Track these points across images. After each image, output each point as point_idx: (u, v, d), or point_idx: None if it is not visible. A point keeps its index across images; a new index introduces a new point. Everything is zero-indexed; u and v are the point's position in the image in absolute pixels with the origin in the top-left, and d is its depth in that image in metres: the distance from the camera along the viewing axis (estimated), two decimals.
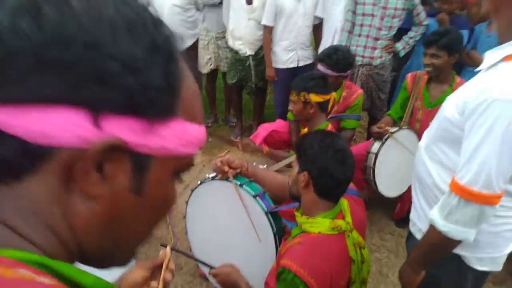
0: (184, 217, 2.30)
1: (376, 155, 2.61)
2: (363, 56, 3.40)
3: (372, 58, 3.39)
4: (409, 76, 2.90)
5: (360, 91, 3.04)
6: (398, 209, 3.00)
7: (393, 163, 2.72)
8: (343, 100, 2.97)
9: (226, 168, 1.95)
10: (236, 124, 4.43)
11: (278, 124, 3.26)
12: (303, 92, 2.27)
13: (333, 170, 1.41)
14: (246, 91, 4.16)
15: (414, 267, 1.48)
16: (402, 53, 3.46)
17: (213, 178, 2.05)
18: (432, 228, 1.33)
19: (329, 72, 2.80)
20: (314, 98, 2.26)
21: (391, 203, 3.09)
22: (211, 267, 1.73)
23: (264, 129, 3.21)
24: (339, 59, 2.81)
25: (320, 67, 2.87)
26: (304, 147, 1.49)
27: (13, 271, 0.33)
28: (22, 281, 0.33)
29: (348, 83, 3.05)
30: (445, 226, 1.27)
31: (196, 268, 2.54)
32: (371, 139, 2.87)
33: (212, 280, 2.22)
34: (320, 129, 1.56)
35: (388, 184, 2.73)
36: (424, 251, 1.42)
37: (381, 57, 3.38)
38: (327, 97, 2.28)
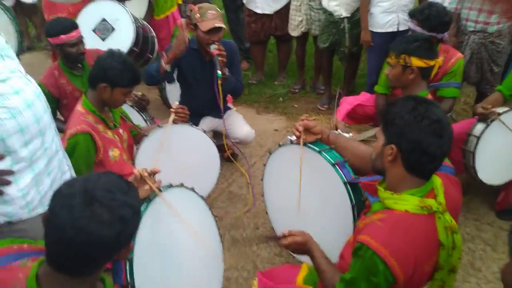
0: (262, 179, 2.29)
1: (478, 138, 2.29)
2: (476, 21, 2.95)
3: (487, 24, 2.92)
4: None
5: (460, 55, 2.69)
6: (502, 198, 2.63)
7: (498, 149, 2.39)
8: (440, 66, 2.64)
9: (297, 133, 1.87)
10: (324, 91, 4.26)
11: (363, 98, 3.02)
12: (404, 55, 2.05)
13: (428, 144, 1.23)
14: (337, 57, 3.94)
15: None
16: None
17: (291, 142, 1.99)
18: None
19: (418, 29, 2.53)
20: (416, 62, 2.03)
21: (493, 190, 2.73)
22: (278, 239, 1.69)
23: (347, 103, 3.01)
24: (431, 15, 2.50)
25: (410, 24, 2.62)
26: (391, 116, 1.30)
27: None
28: None
29: (445, 47, 2.70)
30: None
31: (272, 230, 2.54)
32: (475, 117, 2.53)
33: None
34: (411, 95, 1.40)
35: (490, 172, 2.42)
36: None
37: (498, 23, 2.89)
38: (431, 62, 2.04)
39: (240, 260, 2.40)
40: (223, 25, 2.63)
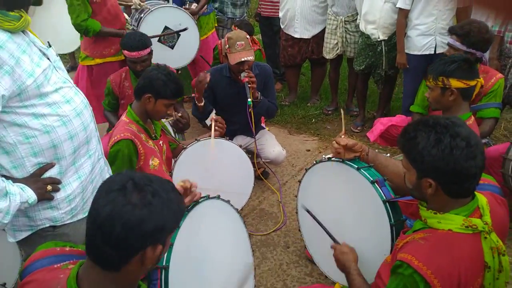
0: (296, 196, 2.28)
1: None
2: None
3: None
4: None
5: (500, 75, 2.63)
6: None
7: None
8: (480, 87, 2.58)
9: (337, 146, 1.86)
10: (358, 113, 4.23)
11: (399, 119, 2.98)
12: (442, 77, 2.01)
13: (466, 170, 1.19)
14: (374, 79, 3.92)
15: None
16: None
17: (329, 159, 1.98)
18: None
19: (457, 45, 2.51)
20: (455, 83, 1.99)
21: None
22: (333, 240, 1.76)
23: (381, 124, 2.97)
24: (472, 31, 2.47)
25: (450, 39, 2.59)
26: (418, 153, 1.24)
27: None
28: None
29: (484, 68, 2.66)
30: None
31: (303, 249, 2.51)
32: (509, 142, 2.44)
33: (320, 265, 2.17)
34: (424, 119, 1.30)
35: None
36: None
37: None
38: (471, 83, 1.99)
39: (269, 278, 2.37)
40: (251, 57, 2.67)
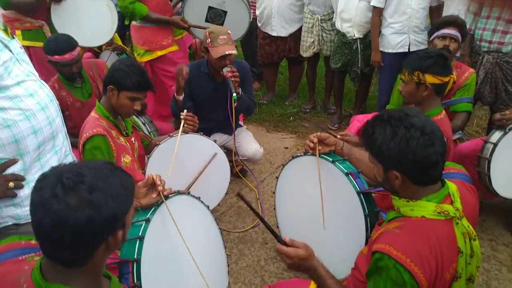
0: (274, 192, 2.27)
1: (495, 145, 2.24)
2: (490, 42, 2.96)
3: (501, 44, 2.93)
4: None
5: (472, 70, 2.73)
6: None
7: None
8: (454, 82, 2.66)
9: (311, 144, 1.86)
10: (335, 111, 4.27)
11: None
12: (418, 72, 2.03)
13: (426, 158, 1.21)
14: (350, 77, 3.97)
15: None
16: None
17: (304, 153, 1.98)
18: None
19: (459, 35, 2.64)
20: (430, 79, 2.01)
21: (508, 210, 2.67)
22: (278, 240, 1.45)
23: (358, 121, 3.00)
24: (464, 23, 2.67)
25: (448, 31, 2.65)
26: (377, 148, 1.27)
27: None
28: None
29: (457, 63, 2.76)
30: None
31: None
32: (483, 137, 2.50)
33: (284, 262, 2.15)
34: (379, 114, 1.31)
35: (506, 183, 2.34)
36: None
37: None
38: (445, 79, 2.01)
39: (247, 275, 2.35)
40: (234, 51, 2.65)
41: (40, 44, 3.14)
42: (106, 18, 3.39)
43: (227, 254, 2.45)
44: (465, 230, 1.25)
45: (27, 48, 3.21)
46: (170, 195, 1.59)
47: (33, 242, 1.15)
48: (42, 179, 0.90)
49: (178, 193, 1.65)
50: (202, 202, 1.82)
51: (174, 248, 1.59)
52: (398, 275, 1.18)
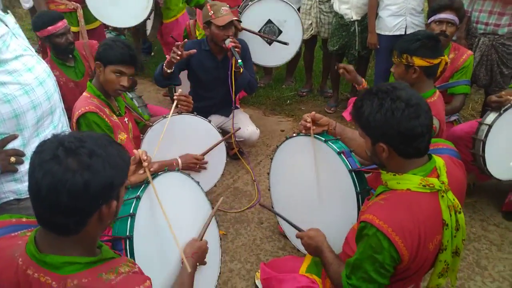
0: (268, 173, 2.30)
1: (490, 126, 2.26)
2: (486, 24, 2.96)
3: (498, 26, 2.93)
4: None
5: (470, 52, 2.72)
6: (510, 199, 2.61)
7: (510, 140, 2.34)
8: (451, 63, 2.67)
9: (309, 124, 1.88)
10: (331, 95, 4.28)
11: None
12: (406, 54, 2.03)
13: (411, 129, 1.24)
14: (347, 60, 3.96)
15: None
16: None
17: (298, 134, 2.00)
18: None
19: (456, 19, 2.60)
20: (418, 61, 2.01)
21: (500, 191, 2.71)
22: (298, 229, 1.75)
23: None
24: (462, 5, 2.61)
25: (445, 15, 2.61)
26: (364, 120, 1.31)
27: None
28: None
29: (456, 45, 2.75)
30: None
31: (276, 225, 2.55)
32: (478, 119, 2.52)
33: (292, 239, 2.21)
34: (369, 88, 1.37)
35: (500, 164, 2.36)
36: None
37: (509, 25, 2.90)
38: (434, 61, 2.01)
39: (243, 253, 2.40)
40: (238, 18, 2.68)
41: (74, 28, 3.11)
42: None
43: (223, 234, 2.51)
44: (450, 203, 1.29)
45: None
46: (160, 172, 1.61)
47: (24, 219, 1.16)
48: (43, 144, 0.91)
49: (167, 170, 1.67)
50: (192, 178, 1.83)
51: (165, 225, 1.62)
52: (378, 242, 1.23)
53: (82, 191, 0.87)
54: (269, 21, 3.18)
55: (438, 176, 1.30)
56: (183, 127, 2.34)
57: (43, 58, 3.13)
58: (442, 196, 1.27)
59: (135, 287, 0.94)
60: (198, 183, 1.87)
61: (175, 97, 2.31)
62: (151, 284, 0.99)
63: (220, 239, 1.97)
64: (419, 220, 1.23)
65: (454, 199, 1.29)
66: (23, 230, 1.10)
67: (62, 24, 2.69)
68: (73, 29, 3.17)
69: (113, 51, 1.97)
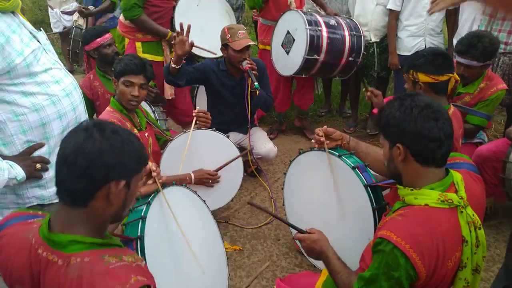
0: (282, 188, 2.31)
1: None
2: (506, 43, 2.95)
3: None
4: None
5: (502, 86, 2.59)
6: None
7: None
8: (479, 92, 2.62)
9: (322, 138, 1.90)
10: (351, 115, 4.28)
11: None
12: (412, 70, 2.05)
13: (428, 130, 1.25)
14: (366, 81, 3.97)
15: None
16: None
17: (311, 149, 2.02)
18: None
19: (474, 63, 2.49)
20: (422, 77, 2.01)
21: None
22: (298, 230, 1.67)
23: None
24: (486, 47, 2.44)
25: (461, 59, 2.52)
26: (385, 120, 1.33)
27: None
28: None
29: (491, 74, 2.66)
30: None
31: (293, 241, 2.53)
32: (504, 138, 2.47)
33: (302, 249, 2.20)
34: (398, 95, 1.40)
35: None
36: None
37: None
38: (440, 78, 1.99)
39: (259, 269, 2.38)
40: (253, 43, 2.79)
41: (159, 58, 3.22)
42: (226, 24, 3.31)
43: (240, 249, 2.51)
44: (470, 219, 1.26)
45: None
46: (168, 185, 1.72)
47: (39, 212, 1.24)
48: (80, 123, 1.06)
49: (175, 184, 1.80)
50: (199, 196, 1.95)
51: (175, 229, 1.69)
52: (395, 259, 1.20)
53: (97, 157, 0.97)
54: (288, 32, 3.30)
55: (456, 191, 1.28)
56: (202, 142, 2.40)
57: (88, 71, 3.38)
58: (461, 211, 1.25)
59: (131, 275, 0.97)
60: (204, 201, 1.99)
61: (194, 114, 2.38)
62: (155, 284, 1.02)
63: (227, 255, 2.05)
64: (438, 237, 1.21)
65: (473, 215, 1.27)
66: (39, 218, 1.17)
67: (108, 36, 2.99)
68: (159, 58, 3.24)
69: (121, 63, 2.14)
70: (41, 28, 1.62)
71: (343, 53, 3.32)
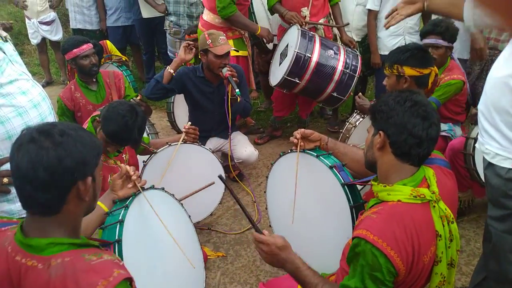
0: (265, 192, 2.29)
1: (475, 140, 2.26)
2: (488, 38, 3.01)
3: (498, 41, 2.98)
4: None
5: (458, 76, 2.63)
6: None
7: None
8: (439, 82, 2.66)
9: (295, 140, 1.89)
10: (331, 117, 4.29)
11: None
12: (396, 65, 2.08)
13: (412, 125, 1.25)
14: None
15: None
16: None
17: (290, 150, 2.01)
18: None
19: (441, 42, 2.59)
20: (408, 71, 2.05)
21: None
22: (257, 230, 1.51)
23: None
24: (449, 25, 2.59)
25: (427, 40, 2.63)
26: (378, 105, 1.34)
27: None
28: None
29: (452, 65, 2.71)
30: None
31: None
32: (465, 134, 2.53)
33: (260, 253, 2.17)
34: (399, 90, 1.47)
35: None
36: None
37: (509, 41, 2.92)
38: (424, 71, 2.05)
39: (243, 274, 2.36)
40: (234, 48, 2.81)
41: (245, 53, 3.55)
42: None
43: (223, 255, 2.48)
44: (442, 213, 1.26)
45: (236, 58, 3.41)
46: (145, 189, 1.69)
47: (14, 219, 1.21)
48: (23, 131, 1.02)
49: (153, 187, 1.78)
50: (176, 199, 1.95)
51: (153, 232, 1.68)
52: (374, 259, 1.18)
53: (57, 165, 0.95)
54: (287, 45, 3.32)
55: (428, 186, 1.29)
56: (186, 156, 2.41)
57: (70, 80, 3.36)
58: (434, 206, 1.25)
59: (113, 270, 0.97)
60: (182, 204, 2.01)
61: (184, 130, 2.39)
62: (134, 281, 1.02)
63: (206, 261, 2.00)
64: (412, 232, 1.20)
65: (446, 209, 1.27)
66: (13, 226, 1.14)
67: (86, 47, 2.85)
68: (244, 53, 3.57)
69: (109, 125, 2.01)
70: (8, 39, 1.58)
71: (327, 87, 3.20)
